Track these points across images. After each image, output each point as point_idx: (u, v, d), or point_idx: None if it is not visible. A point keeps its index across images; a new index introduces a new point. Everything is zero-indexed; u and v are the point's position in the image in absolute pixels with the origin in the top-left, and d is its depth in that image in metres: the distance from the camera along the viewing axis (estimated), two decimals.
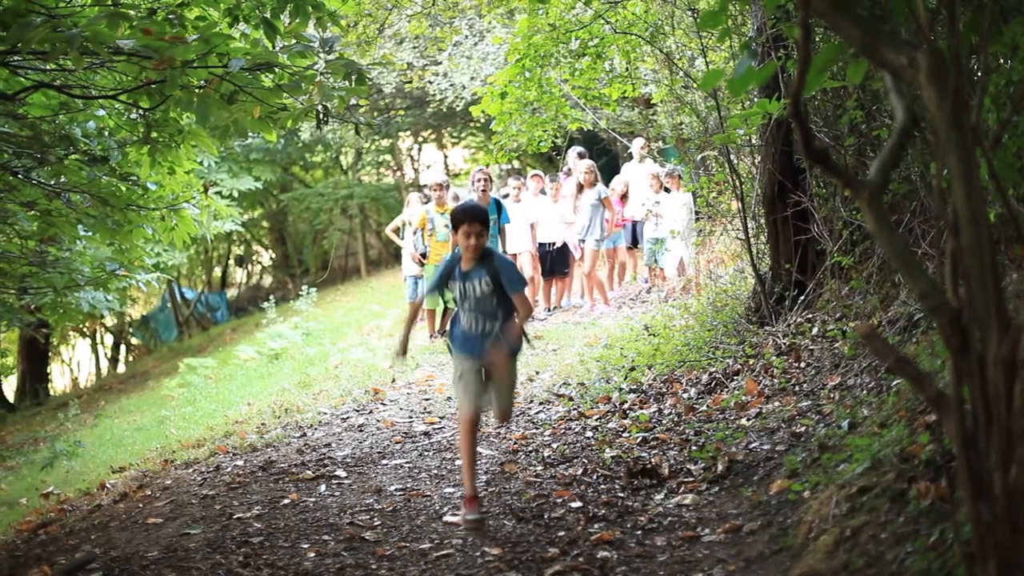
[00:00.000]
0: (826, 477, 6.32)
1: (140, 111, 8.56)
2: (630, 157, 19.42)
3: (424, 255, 16.00)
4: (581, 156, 18.18)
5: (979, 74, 4.64)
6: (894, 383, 7.20)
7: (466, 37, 22.41)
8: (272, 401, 13.12)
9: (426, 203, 17.55)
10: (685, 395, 9.77)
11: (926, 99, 3.86)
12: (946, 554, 4.58)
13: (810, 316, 10.02)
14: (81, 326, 35.61)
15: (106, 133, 9.53)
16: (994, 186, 4.02)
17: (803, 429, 7.62)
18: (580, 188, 17.29)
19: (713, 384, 9.78)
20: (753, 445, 7.75)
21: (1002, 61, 5.28)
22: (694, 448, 8.09)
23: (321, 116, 8.17)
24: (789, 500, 6.52)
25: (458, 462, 8.74)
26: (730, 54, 11.49)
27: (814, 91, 5.13)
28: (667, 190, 17.25)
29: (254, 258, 40.86)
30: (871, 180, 4.18)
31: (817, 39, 8.22)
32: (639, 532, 6.77)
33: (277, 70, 7.53)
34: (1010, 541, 3.62)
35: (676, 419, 9.06)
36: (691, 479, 7.57)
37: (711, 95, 11.55)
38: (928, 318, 4.01)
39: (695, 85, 10.25)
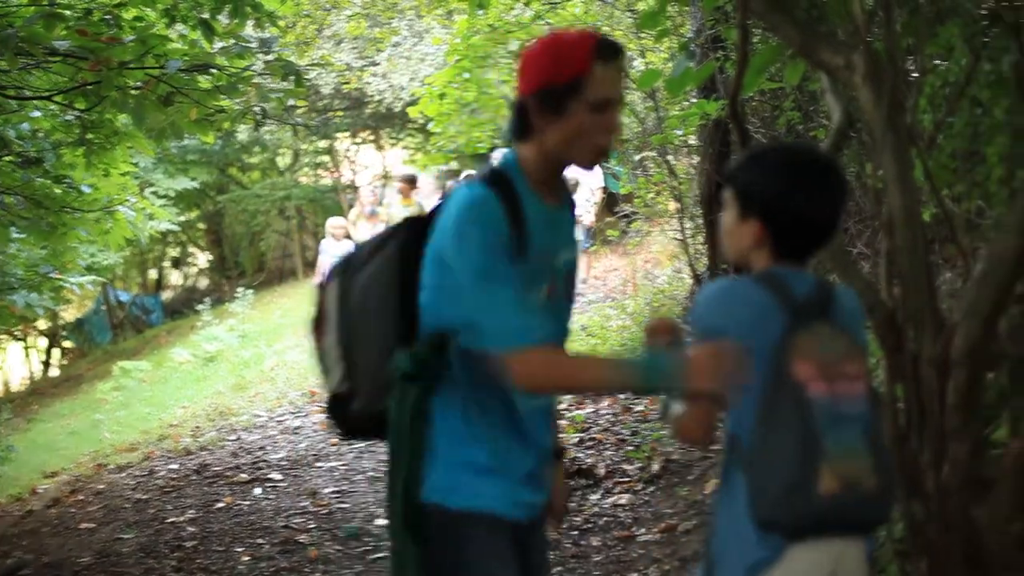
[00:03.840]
0: None
1: (76, 112, 8.45)
2: None
3: None
4: None
5: (915, 75, 4.67)
6: None
7: (405, 38, 22.34)
8: (207, 404, 13.02)
9: (376, 198, 17.46)
10: (621, 395, 9.78)
11: (862, 100, 3.88)
12: (879, 551, 4.60)
13: None
14: (13, 329, 35.17)
15: (41, 135, 9.40)
16: (929, 186, 4.04)
17: None
18: None
19: None
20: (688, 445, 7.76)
21: (938, 62, 5.31)
22: (630, 448, 8.10)
23: (259, 117, 8.11)
24: None
25: None
26: (669, 55, 11.53)
27: (752, 92, 5.15)
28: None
29: (190, 260, 40.52)
30: None
31: (755, 40, 8.25)
32: (575, 532, 6.76)
33: (215, 71, 7.46)
34: (942, 539, 3.64)
35: (612, 419, 9.06)
36: (627, 479, 7.58)
37: (649, 95, 11.57)
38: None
39: (633, 85, 10.28)
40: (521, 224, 2.89)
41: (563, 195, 3.14)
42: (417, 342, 2.97)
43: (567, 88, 2.88)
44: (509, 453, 3.00)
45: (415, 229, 3.07)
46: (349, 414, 3.17)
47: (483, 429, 2.97)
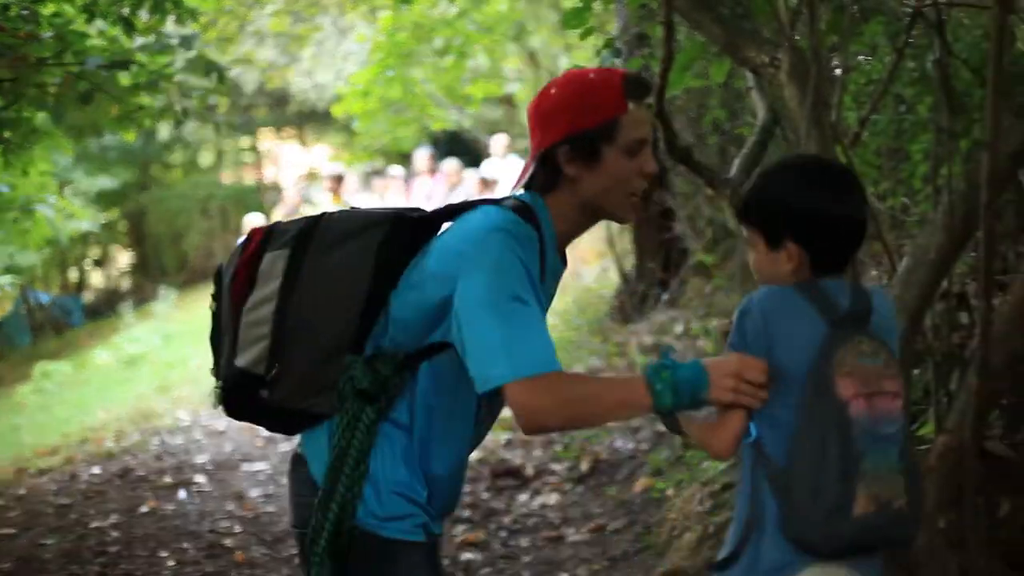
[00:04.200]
0: (690, 475, 6.36)
1: None
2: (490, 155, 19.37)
3: None
4: (434, 157, 18.05)
5: (839, 73, 4.69)
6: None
7: (329, 35, 22.21)
8: (130, 407, 12.85)
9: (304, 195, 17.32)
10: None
11: (787, 97, 3.89)
12: None
13: (674, 314, 10.09)
14: None
15: None
16: None
17: None
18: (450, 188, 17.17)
19: None
20: (617, 444, 7.76)
21: (862, 57, 5.35)
22: (558, 448, 8.08)
23: (180, 115, 8.01)
24: (653, 498, 6.55)
25: None
26: (594, 52, 11.55)
27: (678, 90, 5.15)
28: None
29: (112, 260, 40.06)
30: (733, 178, 4.20)
31: (680, 38, 8.27)
32: (504, 533, 6.74)
33: (135, 68, 7.35)
34: None
35: None
36: (555, 479, 7.57)
37: None
38: None
39: None
40: (542, 270, 2.74)
41: (563, 253, 2.94)
42: (377, 358, 2.74)
43: (600, 132, 2.72)
44: (442, 483, 2.84)
45: (399, 229, 2.83)
46: (249, 397, 2.89)
47: (422, 455, 2.80)
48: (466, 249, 2.67)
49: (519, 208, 2.76)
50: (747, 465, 2.68)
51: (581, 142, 2.72)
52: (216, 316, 3.01)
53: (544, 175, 2.79)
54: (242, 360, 2.88)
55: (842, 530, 2.53)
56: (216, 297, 3.01)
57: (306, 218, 2.92)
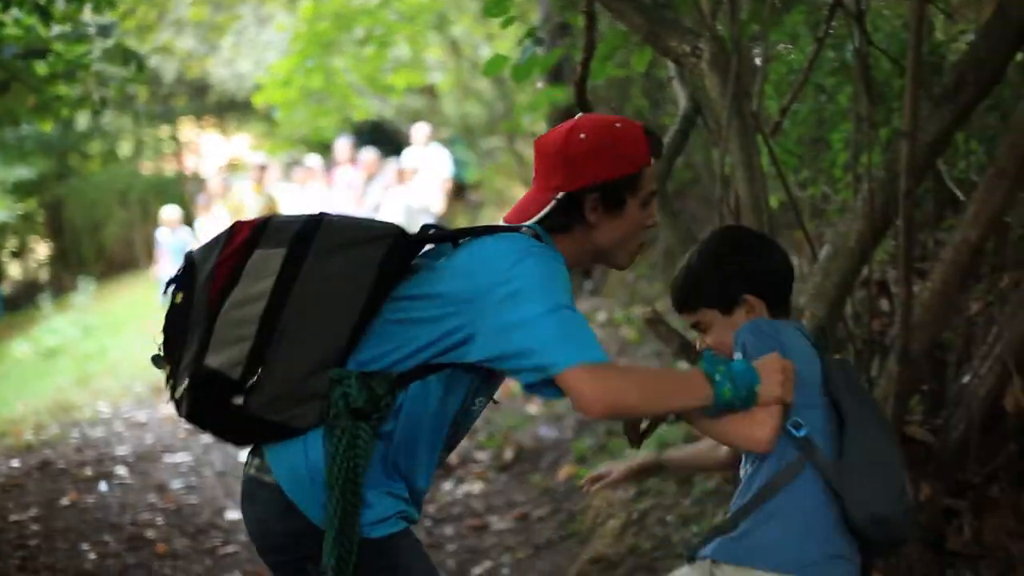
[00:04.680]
0: (613, 462, 6.38)
1: None
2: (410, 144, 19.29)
3: None
4: (355, 147, 17.96)
5: (760, 62, 4.72)
6: (679, 367, 7.32)
7: (248, 24, 22.03)
8: (49, 399, 12.68)
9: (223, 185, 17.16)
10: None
11: (708, 87, 3.91)
12: None
13: (597, 303, 10.13)
14: None
15: None
16: (775, 172, 4.09)
17: None
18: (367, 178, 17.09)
19: None
20: (541, 432, 7.78)
21: (782, 48, 5.39)
22: (482, 437, 8.09)
23: (98, 105, 7.91)
24: (577, 486, 6.56)
25: (243, 456, 8.57)
26: (516, 42, 11.55)
27: (599, 79, 5.16)
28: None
29: (29, 251, 39.50)
30: (654, 168, 4.21)
31: (602, 27, 8.30)
32: (428, 522, 6.73)
33: (52, 57, 7.26)
34: None
35: None
36: (480, 468, 7.57)
37: (497, 83, 11.57)
38: None
39: (481, 72, 10.26)
40: None
41: None
42: (372, 376, 2.66)
43: (627, 184, 2.78)
44: (416, 479, 2.80)
45: (400, 245, 2.75)
46: (218, 402, 2.72)
47: (399, 456, 2.74)
48: (498, 276, 2.60)
49: (536, 237, 2.75)
50: (779, 460, 2.74)
51: (612, 191, 2.76)
52: (182, 308, 2.77)
53: (562, 217, 2.78)
54: (215, 360, 2.70)
55: (907, 508, 2.76)
56: (185, 287, 2.79)
57: (305, 218, 2.80)
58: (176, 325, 2.78)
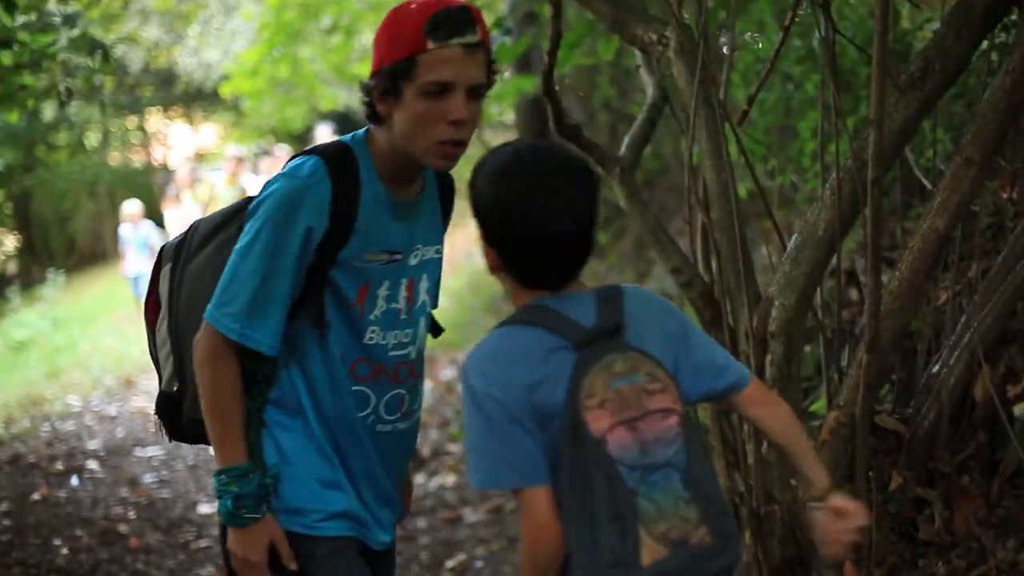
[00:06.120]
0: None
1: None
2: None
3: None
4: (336, 133, 17.90)
5: (727, 50, 4.71)
6: None
7: (215, 13, 21.93)
8: (19, 392, 12.61)
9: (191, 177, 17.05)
10: (444, 376, 9.75)
11: (676, 75, 3.89)
12: None
13: None
14: None
15: None
16: (743, 161, 4.08)
17: None
18: None
19: None
20: None
21: (749, 37, 5.38)
22: (454, 429, 8.07)
23: (64, 95, 7.87)
24: None
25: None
26: None
27: (567, 68, 5.15)
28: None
29: None
30: (622, 157, 4.20)
31: (569, 16, 8.29)
32: None
33: (17, 47, 7.20)
34: (764, 509, 3.69)
35: (436, 401, 9.02)
36: (452, 460, 7.56)
37: None
38: (682, 292, 4.05)
39: None
40: (352, 212, 2.58)
41: (422, 187, 2.74)
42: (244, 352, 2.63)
43: (399, 70, 2.49)
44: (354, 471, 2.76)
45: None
46: (178, 416, 2.81)
47: (326, 442, 2.70)
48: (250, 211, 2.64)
49: (328, 150, 2.65)
50: None
51: (384, 77, 2.53)
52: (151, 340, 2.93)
53: (369, 109, 2.62)
54: (160, 382, 2.86)
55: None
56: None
57: (186, 228, 2.87)
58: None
